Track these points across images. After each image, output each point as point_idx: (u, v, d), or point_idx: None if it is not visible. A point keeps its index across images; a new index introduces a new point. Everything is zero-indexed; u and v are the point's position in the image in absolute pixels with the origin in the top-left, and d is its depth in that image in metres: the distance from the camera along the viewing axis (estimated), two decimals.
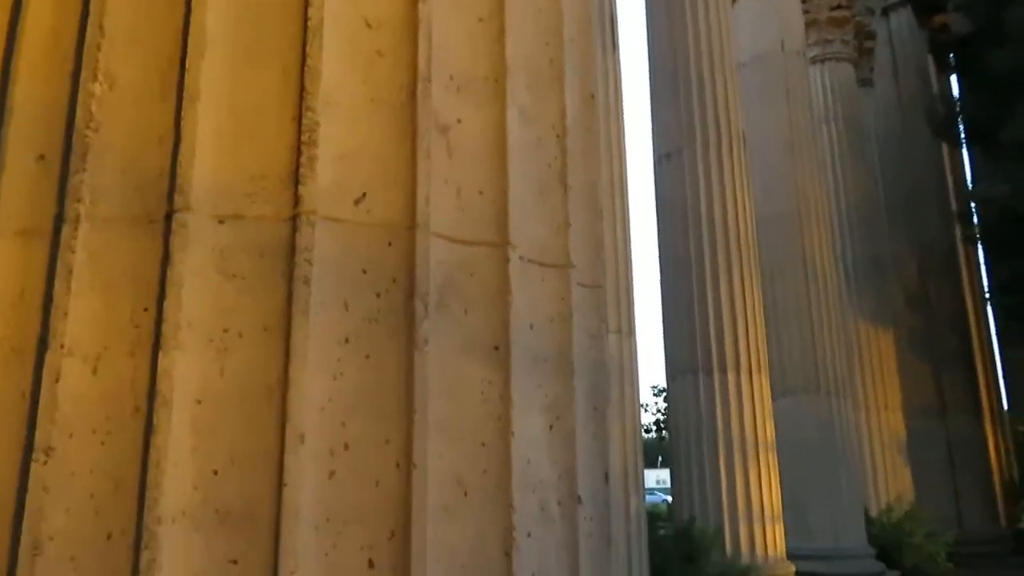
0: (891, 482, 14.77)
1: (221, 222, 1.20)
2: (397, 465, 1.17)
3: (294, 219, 1.20)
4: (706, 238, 10.09)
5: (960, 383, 17.15)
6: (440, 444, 1.21)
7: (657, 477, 32.84)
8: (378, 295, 1.23)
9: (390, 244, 1.25)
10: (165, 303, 1.16)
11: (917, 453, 15.69)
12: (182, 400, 1.13)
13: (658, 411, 22.19)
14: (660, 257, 10.78)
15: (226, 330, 1.17)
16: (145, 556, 1.08)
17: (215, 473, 1.13)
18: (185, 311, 1.15)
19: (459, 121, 1.37)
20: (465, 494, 1.23)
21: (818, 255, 12.53)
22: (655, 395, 22.40)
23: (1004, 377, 18.52)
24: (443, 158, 1.33)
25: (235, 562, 1.10)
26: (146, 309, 1.19)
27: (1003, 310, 16.40)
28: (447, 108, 1.35)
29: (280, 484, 1.11)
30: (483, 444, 1.26)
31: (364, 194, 1.26)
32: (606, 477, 1.53)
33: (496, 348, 1.31)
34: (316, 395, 1.15)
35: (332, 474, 1.14)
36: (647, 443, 22.17)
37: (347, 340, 1.19)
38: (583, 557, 1.42)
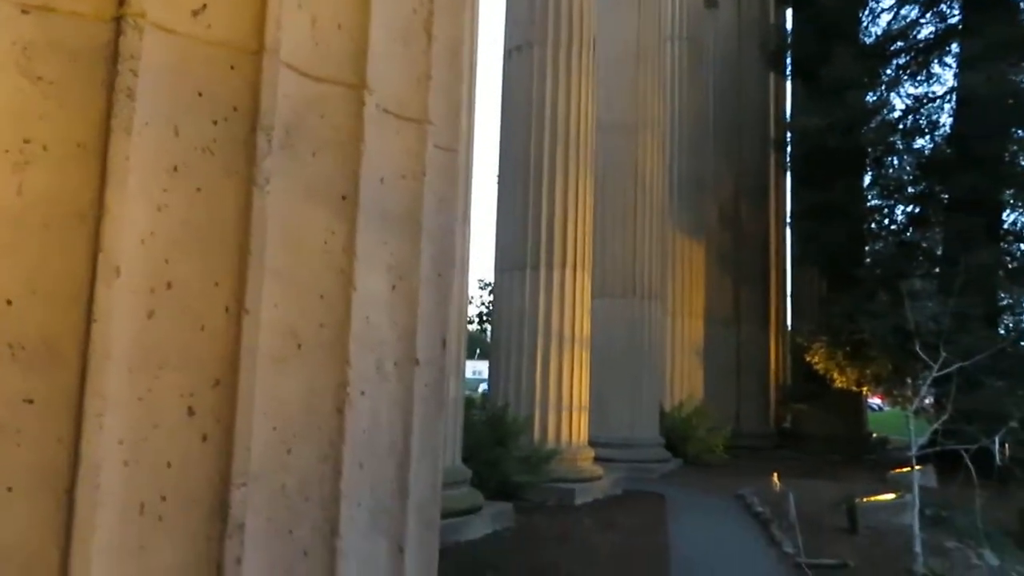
0: (686, 381, 16.18)
1: (25, 12, 1.01)
2: (227, 310, 1.08)
3: (118, 21, 1.03)
4: (547, 137, 10.17)
5: (754, 298, 18.85)
6: (275, 292, 1.12)
7: (474, 368, 33.94)
8: (215, 123, 1.10)
9: (232, 68, 1.11)
10: None
11: (711, 357, 17.22)
12: None
13: (482, 304, 22.73)
14: (501, 151, 10.78)
15: (27, 141, 1.00)
16: None
17: (8, 303, 0.99)
18: None
19: None
20: (299, 346, 1.16)
21: (649, 167, 13.04)
22: (481, 288, 22.88)
23: (792, 295, 20.56)
24: None
25: (31, 401, 0.98)
26: None
27: (800, 235, 18.03)
28: None
29: (89, 320, 0.99)
30: (322, 297, 1.19)
31: (204, 5, 1.10)
32: (444, 343, 1.52)
33: (343, 198, 1.22)
34: (136, 226, 1.02)
35: (151, 314, 1.03)
36: (469, 335, 22.74)
37: (176, 169, 1.06)
38: (416, 420, 1.41)
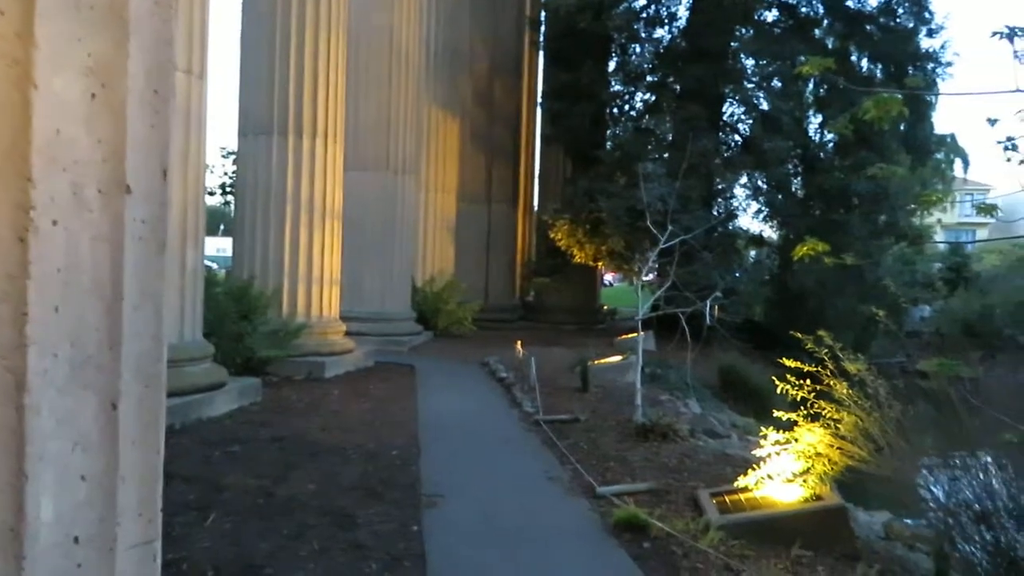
0: (438, 257, 16.46)
1: None
2: None
3: None
4: None
5: (505, 175, 19.37)
6: None
7: (218, 246, 31.82)
8: None
9: None
10: None
11: (462, 233, 17.62)
12: None
13: (225, 174, 21.03)
14: (244, 3, 9.75)
15: None
16: None
17: None
18: None
19: None
20: None
21: (405, 34, 12.56)
22: (223, 157, 21.08)
23: (539, 174, 21.42)
24: None
25: None
26: None
27: (549, 115, 18.62)
28: None
29: None
30: None
31: None
32: (164, 174, 1.30)
33: None
34: None
35: None
36: (211, 209, 21.13)
37: None
38: (129, 261, 1.20)
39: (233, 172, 17.13)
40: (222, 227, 35.81)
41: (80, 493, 1.12)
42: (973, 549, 3.52)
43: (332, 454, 5.59)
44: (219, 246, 31.56)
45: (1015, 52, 2.44)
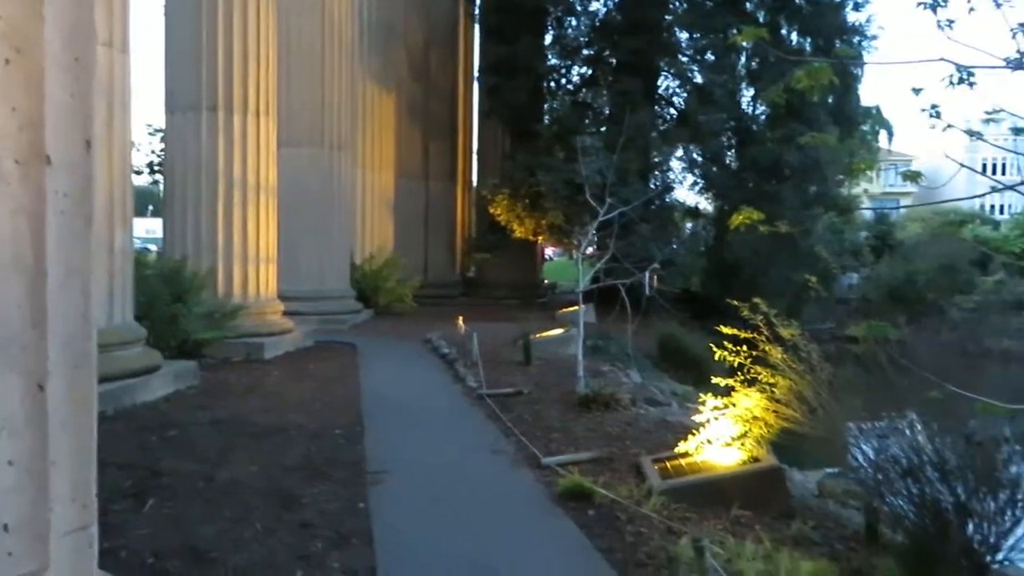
0: (376, 234, 16.28)
1: None
2: None
3: None
4: None
5: (443, 151, 19.23)
6: None
7: (147, 227, 30.84)
8: None
9: None
10: None
11: (401, 210, 17.45)
12: None
13: (152, 152, 20.26)
14: None
15: None
16: None
17: None
18: None
19: None
20: None
21: (338, 8, 12.28)
22: (150, 135, 20.30)
23: (478, 150, 21.33)
24: None
25: None
26: None
27: (486, 89, 18.51)
28: None
29: None
30: None
31: None
32: (88, 145, 1.24)
33: None
34: None
35: None
36: (139, 189, 20.44)
37: None
38: (52, 235, 1.15)
39: (161, 151, 16.56)
40: (151, 207, 34.67)
41: (8, 479, 1.07)
42: (901, 502, 3.68)
43: (274, 435, 5.51)
44: (148, 227, 30.60)
45: (939, 22, 2.52)
